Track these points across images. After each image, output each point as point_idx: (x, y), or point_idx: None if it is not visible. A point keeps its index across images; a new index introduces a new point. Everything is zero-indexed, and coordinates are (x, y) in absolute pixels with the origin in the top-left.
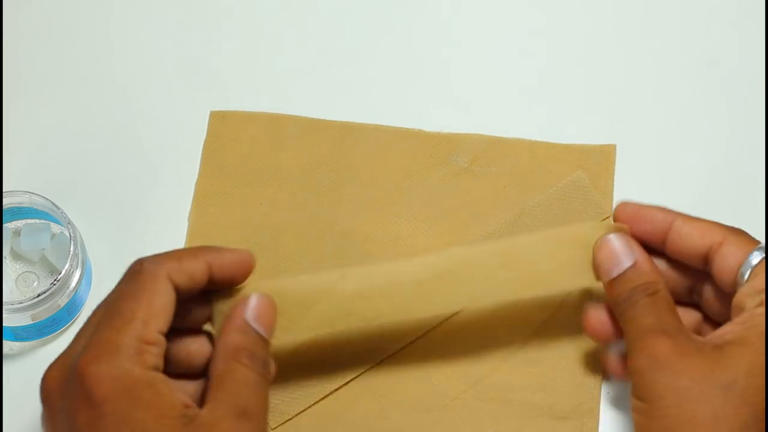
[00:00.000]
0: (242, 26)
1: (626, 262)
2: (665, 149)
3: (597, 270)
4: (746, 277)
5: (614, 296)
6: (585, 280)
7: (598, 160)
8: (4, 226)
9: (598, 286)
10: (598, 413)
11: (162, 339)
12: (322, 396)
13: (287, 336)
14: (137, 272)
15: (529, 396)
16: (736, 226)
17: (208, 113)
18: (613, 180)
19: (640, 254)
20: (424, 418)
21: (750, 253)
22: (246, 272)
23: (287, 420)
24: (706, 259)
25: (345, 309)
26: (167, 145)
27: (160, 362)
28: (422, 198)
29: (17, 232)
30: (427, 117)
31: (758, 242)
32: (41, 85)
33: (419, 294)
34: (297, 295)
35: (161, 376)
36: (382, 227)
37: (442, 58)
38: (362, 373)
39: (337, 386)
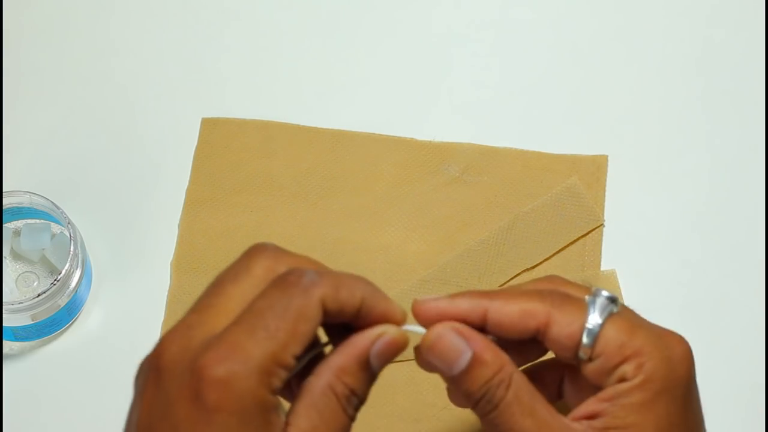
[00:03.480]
0: (235, 34)
1: (465, 356)
2: (656, 159)
3: (435, 370)
4: (589, 344)
5: (467, 395)
6: None
7: (590, 171)
8: (4, 226)
9: None
10: None
11: (294, 364)
12: None
13: None
14: (291, 283)
15: None
16: (725, 236)
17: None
18: (604, 190)
19: (477, 342)
20: (413, 427)
21: (584, 321)
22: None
23: None
24: (539, 338)
25: None
26: (167, 147)
27: (281, 385)
28: (413, 207)
29: (17, 232)
30: (419, 126)
31: (584, 302)
32: (41, 85)
33: None
34: None
35: (278, 403)
36: (373, 236)
37: (434, 68)
38: None
39: None
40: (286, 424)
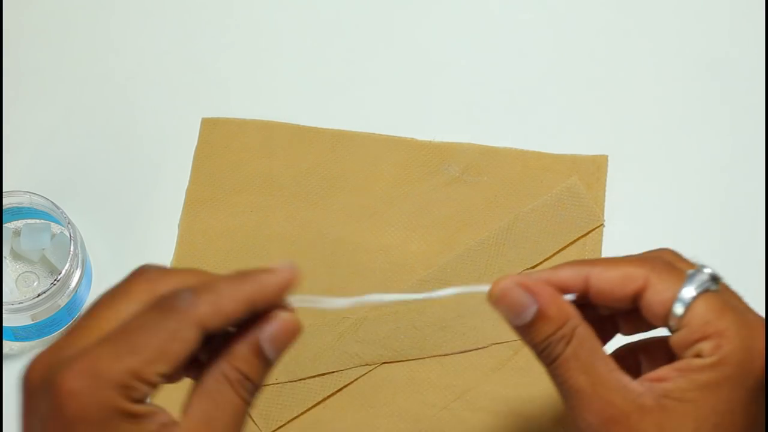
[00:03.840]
0: (235, 34)
1: (530, 310)
2: (656, 159)
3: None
4: (680, 314)
5: (530, 345)
6: None
7: (590, 171)
8: (4, 226)
9: None
10: None
11: (160, 381)
12: (312, 404)
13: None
14: (167, 307)
15: (518, 407)
16: (726, 236)
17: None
18: (604, 190)
19: (543, 296)
20: (413, 427)
21: (678, 290)
22: (289, 289)
23: (278, 428)
24: (636, 304)
25: (350, 352)
26: (167, 147)
27: (146, 397)
28: (414, 207)
29: (17, 232)
30: (419, 126)
31: (685, 274)
32: (41, 85)
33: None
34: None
35: (150, 410)
36: (373, 236)
37: (434, 68)
38: (352, 382)
39: (327, 395)
40: (184, 413)
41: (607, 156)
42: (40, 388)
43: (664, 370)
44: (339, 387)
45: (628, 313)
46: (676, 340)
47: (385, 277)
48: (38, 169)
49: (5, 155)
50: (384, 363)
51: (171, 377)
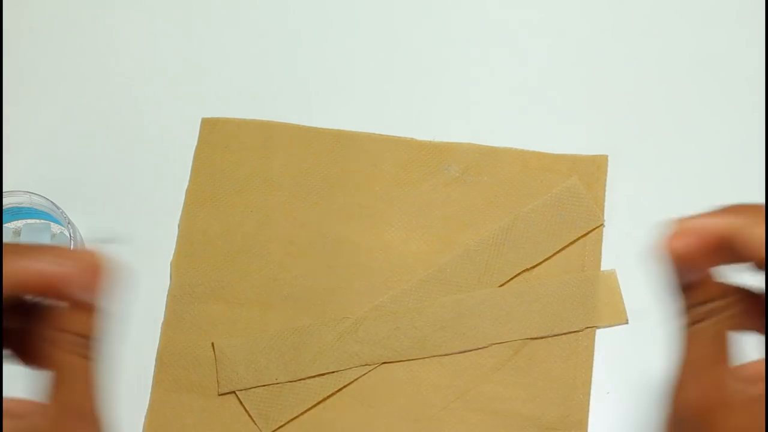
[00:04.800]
0: (235, 34)
1: (695, 274)
2: (656, 159)
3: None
4: None
5: (679, 303)
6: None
7: (590, 171)
8: (4, 226)
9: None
10: (587, 425)
11: None
12: (312, 404)
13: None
14: None
15: (518, 407)
16: None
17: (200, 120)
18: (604, 190)
19: (708, 272)
20: (413, 427)
21: None
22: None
23: (278, 428)
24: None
25: (350, 352)
26: (167, 147)
27: None
28: (413, 207)
29: (17, 232)
30: (418, 126)
31: None
32: (41, 85)
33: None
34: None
35: None
36: (373, 236)
37: (434, 68)
38: (352, 382)
39: (327, 395)
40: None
41: (607, 156)
42: None
43: (757, 365)
44: (339, 387)
45: None
46: None
47: (385, 277)
48: (38, 169)
49: (5, 155)
50: (384, 363)
51: None
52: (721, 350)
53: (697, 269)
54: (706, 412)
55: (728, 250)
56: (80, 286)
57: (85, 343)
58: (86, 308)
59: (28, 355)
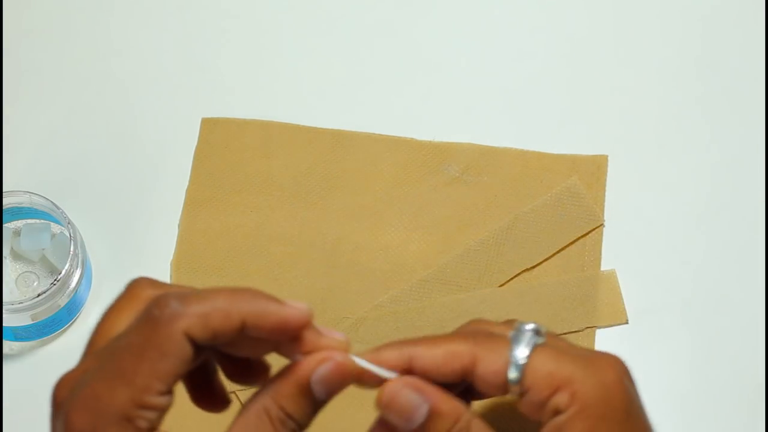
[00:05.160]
0: (235, 34)
1: (422, 409)
2: (656, 159)
3: (395, 427)
4: (516, 377)
5: None
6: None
7: (590, 171)
8: (4, 226)
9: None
10: None
11: (164, 400)
12: None
13: None
14: (152, 317)
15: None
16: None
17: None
18: (604, 190)
19: (433, 393)
20: None
21: (507, 356)
22: (296, 330)
23: None
24: (467, 380)
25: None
26: (167, 147)
27: (158, 420)
28: (413, 207)
29: (17, 232)
30: (419, 126)
31: (506, 336)
32: (41, 85)
33: None
34: None
35: None
36: (373, 236)
37: (434, 67)
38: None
39: None
40: None
41: (607, 156)
42: (58, 412)
43: None
44: None
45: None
46: (527, 405)
47: (385, 277)
48: (38, 169)
49: (5, 155)
50: None
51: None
52: None
53: (415, 408)
54: None
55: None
56: (323, 381)
57: (293, 427)
58: (313, 398)
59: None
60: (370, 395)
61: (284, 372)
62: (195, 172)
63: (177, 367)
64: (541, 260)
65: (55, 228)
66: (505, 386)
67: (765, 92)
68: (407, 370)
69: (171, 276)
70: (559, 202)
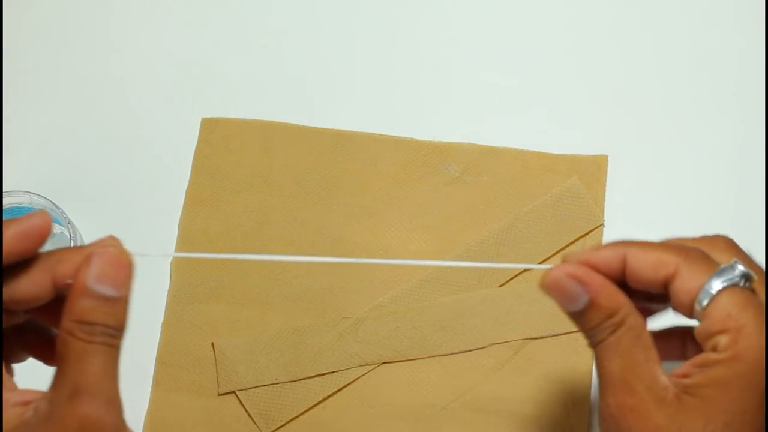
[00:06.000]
0: (235, 34)
1: (582, 299)
2: (656, 159)
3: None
4: (704, 305)
5: (580, 330)
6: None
7: (590, 171)
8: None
9: None
10: (587, 425)
11: None
12: (312, 404)
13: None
14: None
15: (518, 407)
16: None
17: (200, 120)
18: (604, 190)
19: (596, 286)
20: (412, 427)
21: (706, 281)
22: (40, 236)
23: (278, 428)
24: (666, 291)
25: (350, 352)
26: (167, 147)
27: None
28: (413, 207)
29: None
30: (419, 126)
31: (717, 265)
32: (41, 85)
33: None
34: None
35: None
36: (373, 236)
37: (434, 68)
38: (352, 382)
39: (327, 395)
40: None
41: (607, 156)
42: None
43: (687, 366)
44: (339, 387)
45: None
46: (699, 331)
47: (384, 277)
48: (38, 169)
49: (5, 155)
50: (384, 363)
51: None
52: (628, 360)
53: (578, 294)
54: (620, 418)
55: (625, 278)
56: (100, 278)
57: (107, 332)
58: (104, 297)
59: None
60: (369, 395)
61: (68, 296)
62: (195, 172)
63: None
64: (540, 260)
65: (55, 228)
66: (691, 307)
67: (765, 92)
68: (620, 267)
69: (171, 276)
70: (559, 202)
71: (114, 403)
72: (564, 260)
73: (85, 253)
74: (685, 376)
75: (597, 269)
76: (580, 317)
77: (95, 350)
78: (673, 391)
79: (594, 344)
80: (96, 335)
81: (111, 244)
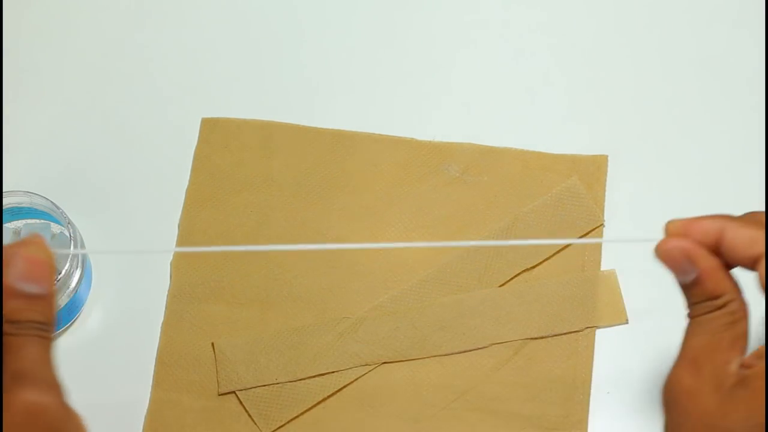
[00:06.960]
0: (235, 34)
1: (690, 275)
2: (656, 159)
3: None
4: None
5: (684, 296)
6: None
7: (590, 171)
8: (4, 226)
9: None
10: (587, 425)
11: None
12: (312, 404)
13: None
14: None
15: (518, 407)
16: None
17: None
18: (604, 190)
19: (705, 269)
20: (412, 427)
21: None
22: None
23: (278, 428)
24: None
25: (350, 352)
26: (167, 147)
27: None
28: (413, 207)
29: (17, 232)
30: (419, 126)
31: None
32: (41, 85)
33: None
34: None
35: None
36: (373, 236)
37: (435, 68)
38: (352, 382)
39: (327, 395)
40: None
41: (607, 156)
42: None
43: (750, 357)
44: (339, 387)
45: None
46: None
47: (385, 277)
48: (38, 169)
49: (5, 155)
50: (384, 363)
51: None
52: (711, 342)
53: (687, 270)
54: (678, 393)
55: (720, 252)
56: (23, 277)
57: (38, 327)
58: (29, 295)
59: None
60: (369, 395)
61: None
62: (195, 172)
63: None
64: (541, 260)
65: (55, 228)
66: None
67: (765, 92)
68: (717, 239)
69: (171, 276)
70: (559, 202)
71: (54, 387)
72: (668, 226)
73: (7, 254)
74: (748, 366)
75: (695, 238)
76: (685, 288)
77: (29, 342)
78: (734, 380)
79: (690, 315)
80: (28, 329)
81: (32, 242)
